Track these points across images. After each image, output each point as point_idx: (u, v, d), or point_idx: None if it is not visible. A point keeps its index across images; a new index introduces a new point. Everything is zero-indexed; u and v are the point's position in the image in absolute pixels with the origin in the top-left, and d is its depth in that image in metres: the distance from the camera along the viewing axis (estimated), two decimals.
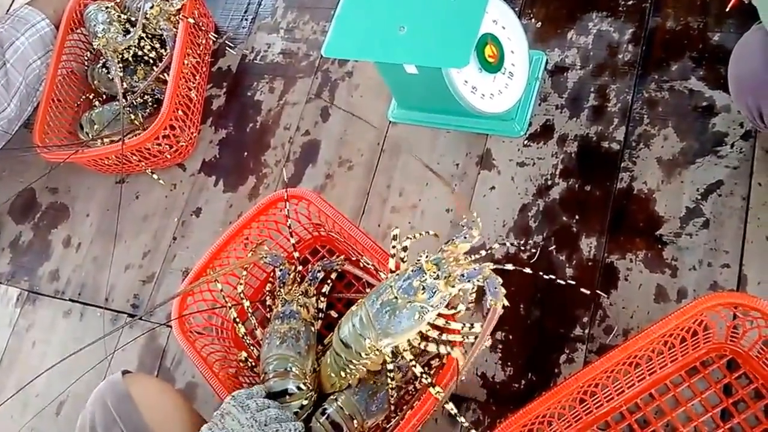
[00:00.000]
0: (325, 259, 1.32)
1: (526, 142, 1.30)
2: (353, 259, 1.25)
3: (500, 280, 0.92)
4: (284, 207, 1.21)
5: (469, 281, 0.94)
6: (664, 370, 1.07)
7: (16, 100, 1.62)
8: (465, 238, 0.98)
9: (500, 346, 1.17)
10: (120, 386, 1.04)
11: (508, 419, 0.94)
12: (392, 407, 1.13)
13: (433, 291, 0.95)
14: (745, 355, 1.04)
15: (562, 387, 0.95)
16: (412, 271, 0.96)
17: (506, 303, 0.91)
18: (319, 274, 1.25)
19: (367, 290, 1.25)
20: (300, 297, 1.22)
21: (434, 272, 0.95)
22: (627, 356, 0.96)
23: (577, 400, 1.02)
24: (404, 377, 1.13)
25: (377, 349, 0.99)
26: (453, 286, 0.95)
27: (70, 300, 1.54)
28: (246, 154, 1.52)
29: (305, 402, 1.14)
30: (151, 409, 1.02)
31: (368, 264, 1.19)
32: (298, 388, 1.13)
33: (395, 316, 0.95)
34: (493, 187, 1.29)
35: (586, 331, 1.14)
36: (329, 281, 1.26)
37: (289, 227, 1.23)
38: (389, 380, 1.06)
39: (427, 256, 0.97)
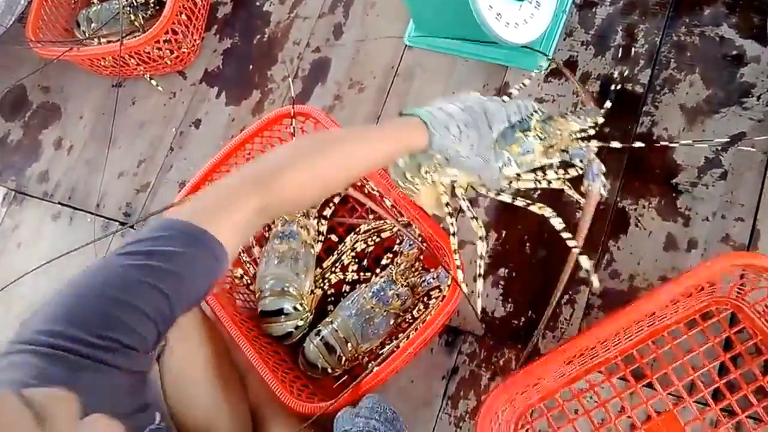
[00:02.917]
0: None
1: (546, 76, 1.25)
2: (358, 184, 1.21)
3: (603, 167, 0.89)
4: (290, 124, 1.16)
5: (569, 158, 0.91)
6: (663, 322, 1.05)
7: None
8: (579, 119, 0.94)
9: (502, 283, 1.15)
10: None
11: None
12: (388, 334, 1.12)
13: (527, 151, 0.90)
14: (747, 310, 1.03)
15: (571, 344, 0.93)
16: (521, 119, 0.91)
17: (605, 192, 0.90)
18: None
19: (370, 216, 1.21)
20: (301, 218, 1.19)
21: (539, 133, 0.91)
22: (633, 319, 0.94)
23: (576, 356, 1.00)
24: (403, 305, 1.11)
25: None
26: (549, 158, 0.92)
27: (60, 203, 1.49)
28: (251, 66, 1.46)
29: (300, 323, 1.12)
30: None
31: (373, 190, 1.16)
32: (294, 308, 1.11)
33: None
34: None
35: None
36: (331, 204, 1.22)
37: None
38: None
39: (540, 115, 0.92)
